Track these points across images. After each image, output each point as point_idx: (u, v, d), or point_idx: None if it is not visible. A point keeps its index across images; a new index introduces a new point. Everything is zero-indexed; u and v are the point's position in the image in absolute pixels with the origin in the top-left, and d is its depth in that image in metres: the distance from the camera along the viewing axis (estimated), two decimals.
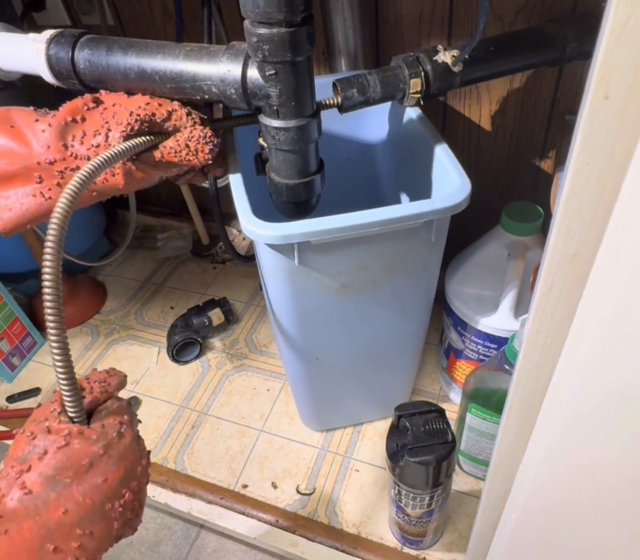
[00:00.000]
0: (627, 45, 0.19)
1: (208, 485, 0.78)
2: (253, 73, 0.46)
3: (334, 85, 0.53)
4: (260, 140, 0.52)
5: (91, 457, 0.36)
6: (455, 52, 0.53)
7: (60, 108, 0.48)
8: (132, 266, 1.17)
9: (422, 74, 0.53)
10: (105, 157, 0.42)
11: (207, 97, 0.49)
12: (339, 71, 0.74)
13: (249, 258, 0.92)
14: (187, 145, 0.49)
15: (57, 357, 0.36)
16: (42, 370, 0.97)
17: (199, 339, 0.95)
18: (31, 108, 0.49)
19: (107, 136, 0.47)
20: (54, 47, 0.50)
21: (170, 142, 0.49)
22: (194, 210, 1.10)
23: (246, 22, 0.43)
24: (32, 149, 0.47)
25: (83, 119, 0.48)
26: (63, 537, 0.34)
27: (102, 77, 0.50)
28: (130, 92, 0.50)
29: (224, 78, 0.47)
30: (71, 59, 0.50)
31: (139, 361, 0.97)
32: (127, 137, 0.47)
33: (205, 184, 1.02)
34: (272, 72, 0.44)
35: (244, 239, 1.18)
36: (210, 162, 0.51)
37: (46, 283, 0.35)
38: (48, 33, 0.51)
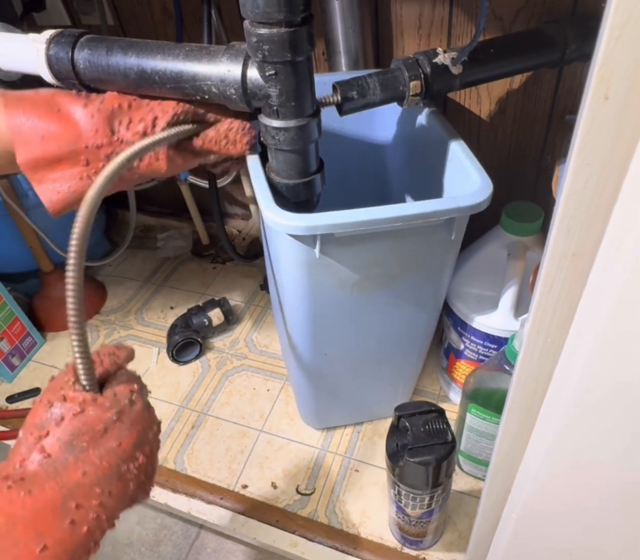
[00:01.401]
0: (627, 45, 0.19)
1: (208, 486, 0.78)
2: (253, 73, 0.46)
3: (334, 87, 0.53)
4: (261, 140, 0.52)
5: (105, 422, 0.38)
6: (454, 54, 0.53)
7: (108, 94, 0.50)
8: (132, 266, 1.17)
9: (422, 76, 0.53)
10: (146, 142, 0.44)
11: (207, 97, 0.49)
12: (339, 71, 0.74)
13: (249, 258, 0.92)
14: (227, 136, 0.51)
15: (73, 330, 0.38)
16: (42, 370, 0.97)
17: (199, 339, 0.94)
18: (74, 92, 0.50)
19: (153, 123, 0.48)
20: (54, 47, 0.50)
21: (211, 132, 0.51)
22: (194, 210, 1.10)
23: (246, 22, 0.43)
24: (81, 132, 0.48)
25: (130, 106, 0.49)
26: (84, 496, 0.36)
27: (102, 77, 0.50)
28: (129, 93, 0.51)
29: (223, 78, 0.47)
30: (71, 59, 0.50)
31: (139, 361, 0.97)
32: (171, 125, 0.49)
33: (204, 184, 1.03)
34: (272, 72, 0.44)
35: (244, 239, 1.19)
36: (247, 152, 0.53)
37: (71, 254, 0.37)
38: (48, 33, 0.51)
